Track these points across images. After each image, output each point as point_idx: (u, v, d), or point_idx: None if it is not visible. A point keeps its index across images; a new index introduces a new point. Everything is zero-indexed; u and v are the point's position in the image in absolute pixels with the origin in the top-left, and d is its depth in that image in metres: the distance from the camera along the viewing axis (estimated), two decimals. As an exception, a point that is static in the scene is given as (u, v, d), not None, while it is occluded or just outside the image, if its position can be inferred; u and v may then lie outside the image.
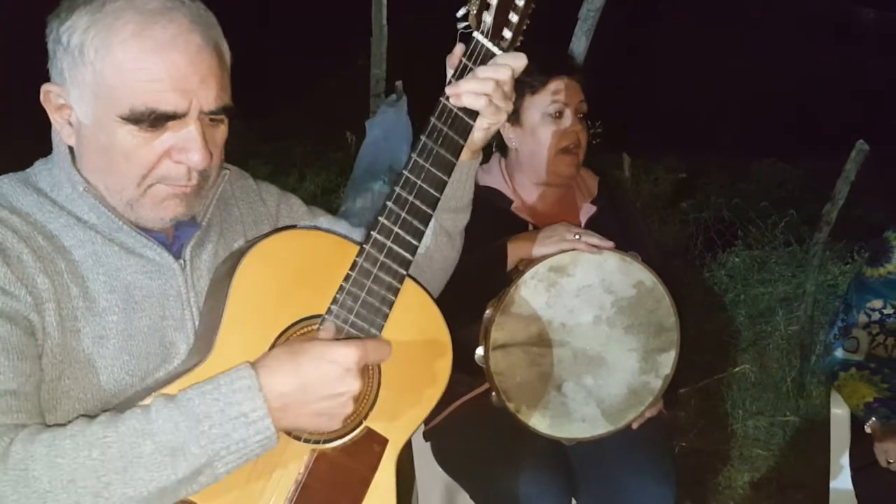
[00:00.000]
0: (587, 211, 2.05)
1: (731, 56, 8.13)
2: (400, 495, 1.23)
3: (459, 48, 1.24)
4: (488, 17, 1.20)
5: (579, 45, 2.94)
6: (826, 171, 3.93)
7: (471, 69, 1.22)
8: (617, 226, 1.96)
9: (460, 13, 1.21)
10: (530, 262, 1.73)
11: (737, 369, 3.52)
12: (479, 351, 1.72)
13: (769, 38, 8.49)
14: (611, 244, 1.73)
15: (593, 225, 1.98)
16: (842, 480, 2.10)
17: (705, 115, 7.23)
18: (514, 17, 1.23)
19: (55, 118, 1.13)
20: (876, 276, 2.08)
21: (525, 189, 2.06)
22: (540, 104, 1.98)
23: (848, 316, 2.12)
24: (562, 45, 2.97)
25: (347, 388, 1.06)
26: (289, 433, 1.13)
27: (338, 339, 1.11)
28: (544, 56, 2.06)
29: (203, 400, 1.02)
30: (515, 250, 1.79)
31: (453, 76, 1.22)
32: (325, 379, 1.05)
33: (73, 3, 1.09)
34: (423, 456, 1.99)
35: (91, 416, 1.03)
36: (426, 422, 1.96)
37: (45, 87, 1.12)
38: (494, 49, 1.23)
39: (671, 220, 4.02)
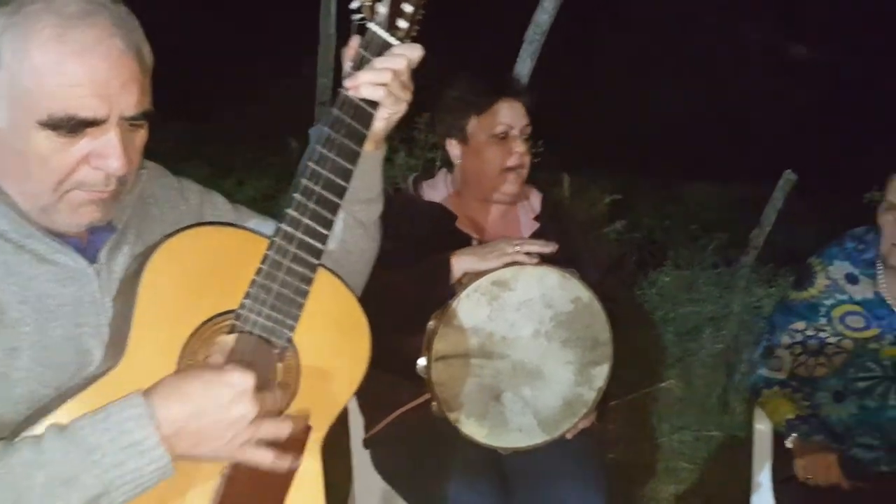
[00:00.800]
0: (530, 227, 2.10)
1: (667, 82, 8.40)
2: (328, 483, 1.23)
3: (355, 40, 1.25)
4: (382, 8, 1.22)
5: (524, 66, 3.02)
6: (753, 195, 4.11)
7: (368, 60, 1.23)
8: (557, 241, 2.01)
9: (354, 5, 1.22)
10: (474, 275, 1.77)
11: (663, 384, 3.62)
12: (422, 361, 1.75)
13: (703, 66, 8.79)
14: (553, 246, 1.79)
15: None
16: (763, 493, 2.18)
17: (639, 138, 7.44)
18: (408, 8, 1.23)
19: None
20: (800, 300, 2.18)
21: (470, 205, 2.10)
22: (486, 125, 2.02)
23: (773, 336, 2.22)
24: (507, 67, 3.05)
25: (243, 413, 1.05)
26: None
27: (233, 364, 1.11)
28: (492, 78, 2.12)
29: (94, 430, 0.99)
30: (459, 264, 1.82)
31: (351, 67, 1.23)
32: (218, 403, 1.04)
33: None
34: (363, 464, 2.00)
35: None
36: (366, 429, 1.99)
37: None
38: (391, 39, 1.24)
39: (605, 240, 4.14)
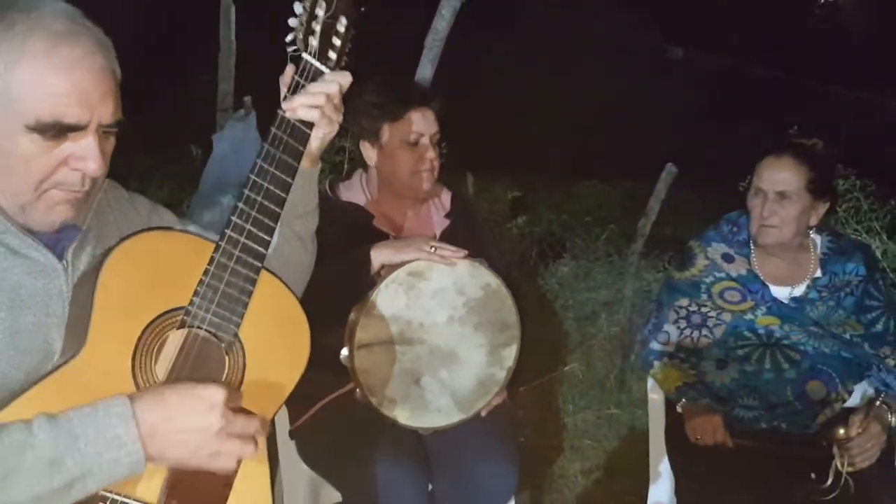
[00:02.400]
0: (441, 223, 2.22)
1: (558, 85, 8.74)
2: (271, 469, 1.34)
3: (290, 68, 1.38)
4: (314, 41, 1.36)
5: (425, 71, 3.13)
6: (641, 191, 4.36)
7: (303, 85, 1.37)
8: (467, 236, 2.13)
9: (289, 38, 1.35)
10: (391, 267, 1.89)
11: (566, 368, 3.80)
12: (344, 351, 1.84)
13: (588, 69, 9.18)
14: (463, 253, 1.92)
15: (447, 236, 2.15)
16: (659, 457, 2.34)
17: (535, 138, 7.72)
18: (336, 42, 1.40)
19: None
20: (683, 279, 2.36)
21: (385, 203, 2.20)
22: (399, 132, 2.12)
23: (660, 314, 2.38)
24: (409, 73, 3.16)
25: (210, 424, 1.16)
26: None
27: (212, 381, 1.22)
28: (405, 88, 2.24)
29: (82, 421, 1.11)
30: (378, 256, 1.92)
31: (288, 92, 1.37)
32: (189, 411, 1.16)
33: None
34: (288, 454, 2.08)
35: None
36: (291, 421, 2.07)
37: None
38: (322, 68, 1.39)
39: (508, 235, 4.32)
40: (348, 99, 2.20)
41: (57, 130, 1.17)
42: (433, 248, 1.90)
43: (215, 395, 1.18)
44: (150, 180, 5.03)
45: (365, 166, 2.23)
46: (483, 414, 2.01)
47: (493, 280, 1.94)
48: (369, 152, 2.17)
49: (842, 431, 2.02)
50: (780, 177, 2.21)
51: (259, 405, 1.31)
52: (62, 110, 1.16)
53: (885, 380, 2.22)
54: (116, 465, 1.12)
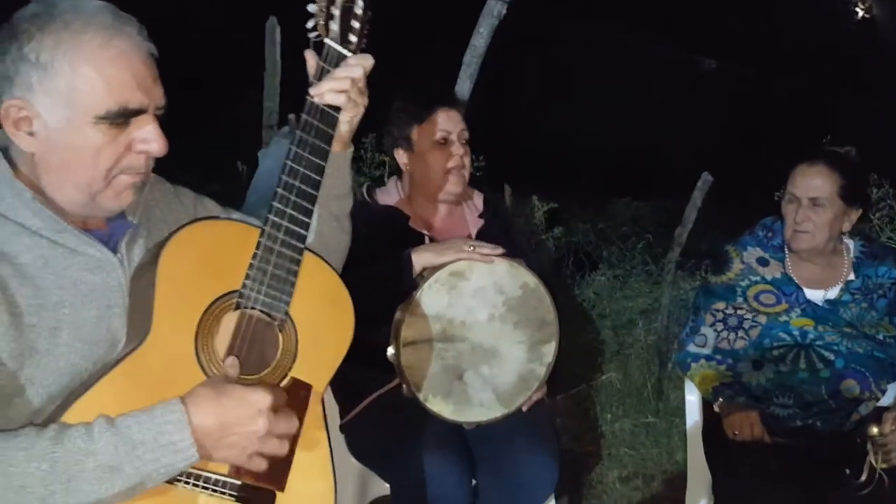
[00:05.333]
0: (476, 224, 2.31)
1: (593, 105, 8.80)
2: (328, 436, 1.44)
3: (310, 53, 1.44)
4: (335, 26, 1.41)
5: (463, 87, 3.25)
6: (676, 209, 4.39)
7: (328, 70, 1.42)
8: (502, 236, 2.21)
9: (310, 24, 1.41)
10: (433, 269, 1.98)
11: (604, 377, 3.82)
12: (391, 349, 1.93)
13: (623, 88, 9.23)
14: (501, 250, 2.00)
15: (482, 236, 2.24)
16: (697, 457, 2.38)
17: (570, 157, 7.79)
18: (356, 24, 1.43)
19: (12, 131, 1.25)
20: (719, 283, 2.41)
21: (420, 206, 2.30)
22: (427, 133, 2.23)
23: (697, 317, 2.44)
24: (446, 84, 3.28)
25: (257, 429, 1.23)
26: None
27: (249, 381, 1.31)
28: (428, 91, 2.36)
29: (140, 428, 1.17)
30: (419, 259, 2.01)
31: (314, 77, 1.42)
32: (240, 418, 1.22)
33: (25, 28, 1.22)
34: (338, 448, 2.16)
35: (39, 427, 1.16)
36: (341, 416, 2.16)
37: (6, 103, 1.23)
38: (345, 52, 1.44)
39: (544, 246, 4.38)
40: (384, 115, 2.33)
41: (123, 117, 1.25)
42: (472, 248, 1.98)
43: (263, 400, 1.24)
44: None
45: (400, 174, 2.34)
46: (524, 409, 2.08)
47: (531, 279, 2.02)
48: (402, 158, 2.29)
49: (875, 429, 2.05)
50: (812, 183, 2.26)
51: (313, 376, 1.40)
52: (126, 97, 1.24)
53: (918, 379, 2.26)
54: (171, 469, 1.19)
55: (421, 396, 1.95)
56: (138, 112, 1.27)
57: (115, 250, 1.35)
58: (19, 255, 1.25)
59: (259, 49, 4.23)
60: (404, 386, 1.96)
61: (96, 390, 1.23)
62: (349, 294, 1.48)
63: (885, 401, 2.28)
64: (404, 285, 1.99)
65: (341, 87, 1.42)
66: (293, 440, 1.33)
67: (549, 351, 2.05)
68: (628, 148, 8.24)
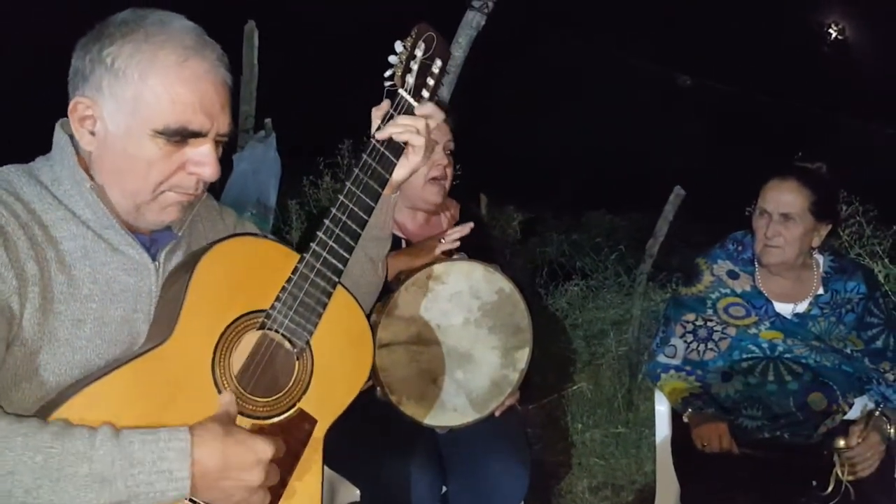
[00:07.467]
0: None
1: (566, 117, 8.88)
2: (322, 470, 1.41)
3: (386, 103, 1.52)
4: (410, 79, 1.50)
5: (441, 96, 3.26)
6: (649, 222, 4.45)
7: (394, 117, 1.49)
8: (477, 242, 2.21)
9: (387, 74, 1.49)
10: (409, 272, 1.98)
11: (575, 387, 3.86)
12: (365, 351, 1.94)
13: (597, 101, 9.32)
14: (470, 225, 2.04)
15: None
16: (665, 467, 2.40)
17: (547, 168, 7.85)
18: (430, 81, 1.53)
19: (77, 126, 1.28)
20: (690, 295, 2.45)
21: (399, 212, 2.31)
22: None
23: (667, 328, 2.47)
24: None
25: (253, 480, 1.21)
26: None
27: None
28: None
29: (142, 447, 1.14)
30: (395, 263, 2.02)
31: (381, 123, 1.50)
32: (241, 465, 1.20)
33: (111, 32, 1.26)
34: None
35: (44, 419, 1.14)
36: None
37: (76, 99, 1.27)
38: (415, 103, 1.51)
39: (519, 256, 4.41)
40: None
41: (181, 136, 1.27)
42: (442, 240, 2.02)
43: (266, 451, 1.22)
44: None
45: None
46: (497, 414, 2.08)
47: (506, 285, 2.03)
48: None
49: (842, 441, 2.09)
50: (784, 199, 2.30)
51: (321, 411, 1.39)
52: (188, 118, 1.26)
53: (885, 393, 2.30)
54: (161, 497, 1.14)
55: (394, 399, 1.95)
56: (198, 134, 1.28)
57: (154, 257, 1.36)
58: (63, 241, 1.27)
59: (237, 53, 4.21)
60: (378, 388, 1.95)
61: (105, 382, 1.20)
62: (372, 340, 1.49)
63: (852, 414, 2.31)
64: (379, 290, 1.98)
65: (408, 131, 1.49)
66: (288, 472, 1.32)
67: (523, 357, 2.06)
68: (605, 160, 8.32)
